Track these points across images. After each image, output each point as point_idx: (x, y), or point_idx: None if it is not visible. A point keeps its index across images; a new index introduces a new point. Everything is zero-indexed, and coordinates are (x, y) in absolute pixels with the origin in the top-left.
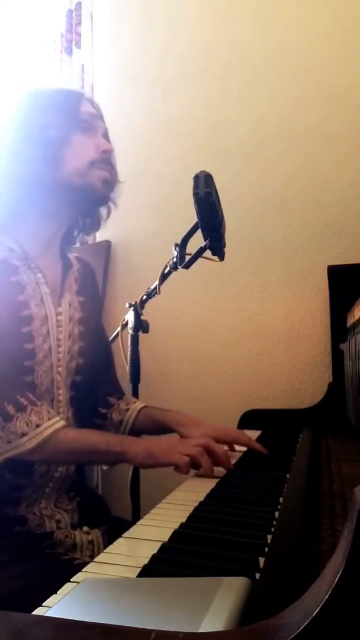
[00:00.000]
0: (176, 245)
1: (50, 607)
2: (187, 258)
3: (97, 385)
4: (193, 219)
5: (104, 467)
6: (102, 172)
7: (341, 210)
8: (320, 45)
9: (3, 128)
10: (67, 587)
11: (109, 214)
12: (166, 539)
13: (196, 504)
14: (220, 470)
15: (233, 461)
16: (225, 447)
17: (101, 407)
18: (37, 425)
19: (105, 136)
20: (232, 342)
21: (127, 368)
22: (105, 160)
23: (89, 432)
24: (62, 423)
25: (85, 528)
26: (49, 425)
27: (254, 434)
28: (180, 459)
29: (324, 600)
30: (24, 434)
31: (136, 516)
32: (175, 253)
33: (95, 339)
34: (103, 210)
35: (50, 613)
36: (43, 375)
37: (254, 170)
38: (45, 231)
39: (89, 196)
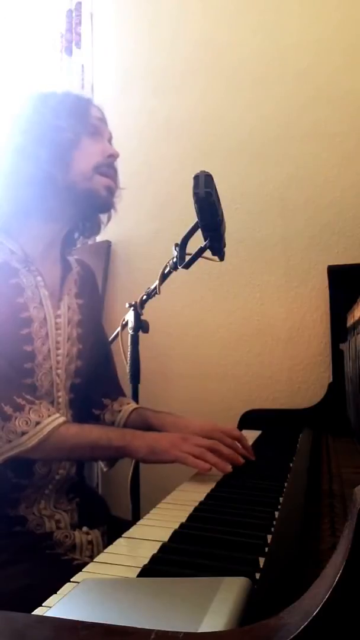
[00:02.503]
0: (176, 245)
1: (50, 607)
2: (187, 258)
3: (94, 386)
4: (193, 219)
5: (104, 469)
6: (106, 179)
7: (341, 210)
8: (321, 47)
9: (10, 128)
10: (67, 587)
11: (109, 219)
12: (166, 539)
13: (196, 504)
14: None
15: None
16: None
17: (95, 408)
18: (37, 423)
19: (110, 142)
20: (232, 342)
21: (127, 368)
22: (110, 164)
23: (90, 427)
24: (62, 419)
25: (84, 528)
26: (49, 422)
27: (254, 434)
28: (180, 456)
29: (324, 600)
30: (24, 433)
31: (136, 516)
32: (175, 253)
33: (95, 340)
34: (103, 216)
35: (50, 613)
36: (43, 378)
37: (254, 171)
38: (46, 234)
39: (92, 202)
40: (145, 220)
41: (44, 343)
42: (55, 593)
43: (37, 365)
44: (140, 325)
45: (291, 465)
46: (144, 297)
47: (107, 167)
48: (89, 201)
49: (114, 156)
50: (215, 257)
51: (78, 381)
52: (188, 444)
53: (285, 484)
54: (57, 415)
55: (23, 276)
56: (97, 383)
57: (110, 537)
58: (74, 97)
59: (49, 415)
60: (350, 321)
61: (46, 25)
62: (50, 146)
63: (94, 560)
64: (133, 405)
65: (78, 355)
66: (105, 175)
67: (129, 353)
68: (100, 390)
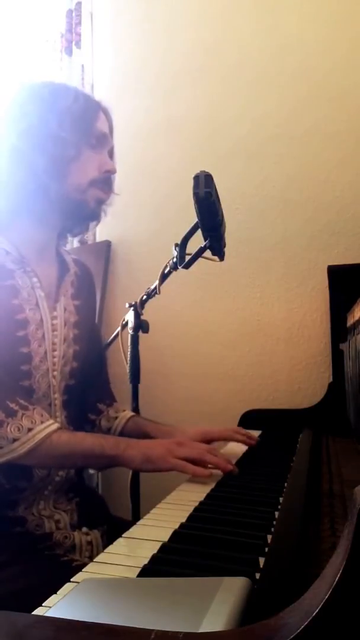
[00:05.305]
0: (176, 245)
1: (50, 607)
2: (187, 258)
3: (89, 390)
4: (193, 219)
5: (91, 472)
6: (99, 192)
7: (341, 210)
8: (321, 46)
9: (9, 127)
10: (67, 587)
11: (98, 222)
12: (166, 539)
13: (196, 504)
14: (217, 473)
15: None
16: None
17: (91, 413)
18: (29, 430)
19: (111, 153)
20: (232, 342)
21: (127, 368)
22: (105, 180)
23: (83, 435)
24: (55, 426)
25: (84, 529)
26: (41, 429)
27: (254, 434)
28: (177, 464)
29: (324, 600)
30: (15, 440)
31: (136, 516)
32: (175, 253)
33: (90, 342)
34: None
35: (50, 613)
36: (40, 380)
37: (254, 171)
38: (38, 236)
39: (80, 212)
40: (145, 220)
41: (40, 345)
42: (55, 593)
43: (34, 368)
44: (140, 325)
45: (291, 465)
46: (144, 297)
47: (103, 183)
48: (77, 210)
49: (110, 172)
50: (215, 257)
51: (72, 382)
52: (184, 448)
53: (285, 484)
54: (50, 422)
55: (19, 277)
56: (92, 387)
57: (110, 537)
58: (82, 103)
59: (42, 422)
60: (350, 321)
61: (46, 25)
62: (49, 157)
63: (94, 560)
64: (129, 412)
65: (74, 356)
66: (99, 189)
67: (129, 353)
68: (94, 394)
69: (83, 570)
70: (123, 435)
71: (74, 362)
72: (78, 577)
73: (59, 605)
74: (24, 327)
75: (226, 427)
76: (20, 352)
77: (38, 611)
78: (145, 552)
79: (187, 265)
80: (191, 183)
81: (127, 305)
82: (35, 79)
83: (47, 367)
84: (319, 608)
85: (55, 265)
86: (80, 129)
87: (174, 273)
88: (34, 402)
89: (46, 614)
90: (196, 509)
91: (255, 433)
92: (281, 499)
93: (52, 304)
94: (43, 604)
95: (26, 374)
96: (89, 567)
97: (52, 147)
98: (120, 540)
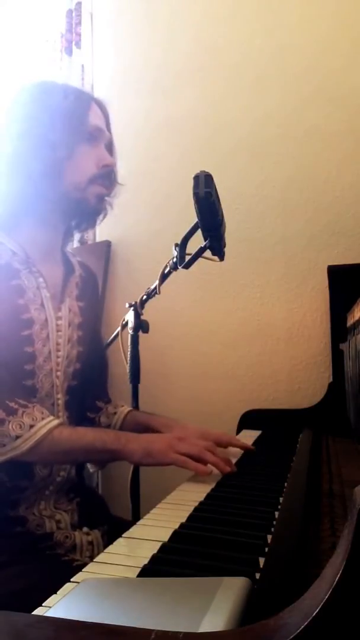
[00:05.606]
0: (176, 245)
1: (50, 607)
2: (187, 258)
3: (88, 390)
4: (193, 219)
5: (91, 470)
6: (100, 188)
7: (341, 210)
8: (322, 46)
9: (6, 130)
10: (67, 587)
11: (104, 216)
12: (166, 539)
13: (196, 504)
14: (217, 472)
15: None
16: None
17: (90, 411)
18: (31, 426)
19: (109, 147)
20: (232, 342)
21: (127, 368)
22: (105, 174)
23: (84, 430)
24: (56, 422)
25: (85, 529)
26: (43, 425)
27: (254, 434)
28: (178, 459)
29: (324, 600)
30: (18, 437)
31: (136, 516)
32: (175, 253)
33: (92, 343)
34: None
35: (50, 613)
36: (44, 379)
37: (254, 171)
38: (43, 237)
39: (82, 209)
40: (145, 220)
41: (44, 345)
42: (55, 593)
43: (37, 367)
44: (140, 325)
45: (291, 465)
46: (144, 297)
47: (102, 178)
48: (78, 208)
49: (109, 166)
50: (215, 257)
51: (75, 383)
52: (185, 443)
53: (285, 484)
54: (51, 418)
55: (24, 277)
56: (91, 387)
57: (110, 537)
58: (72, 99)
59: (43, 418)
60: (350, 321)
61: (46, 25)
62: (44, 160)
63: (94, 560)
64: (127, 407)
65: (77, 357)
66: (99, 184)
67: (129, 353)
68: (93, 393)
69: (83, 570)
70: (122, 430)
71: (77, 363)
72: (78, 577)
73: (59, 605)
74: (28, 326)
75: (225, 432)
76: (24, 352)
77: (38, 611)
78: (145, 552)
79: (187, 265)
80: (191, 183)
81: (127, 305)
82: (30, 80)
83: (50, 367)
84: (318, 608)
85: (61, 266)
86: (73, 125)
87: (174, 273)
88: (37, 401)
89: (46, 614)
90: (196, 509)
91: (255, 433)
92: (281, 499)
93: (57, 305)
94: (43, 604)
95: (30, 373)
96: (89, 567)
97: (46, 149)
98: (120, 540)
